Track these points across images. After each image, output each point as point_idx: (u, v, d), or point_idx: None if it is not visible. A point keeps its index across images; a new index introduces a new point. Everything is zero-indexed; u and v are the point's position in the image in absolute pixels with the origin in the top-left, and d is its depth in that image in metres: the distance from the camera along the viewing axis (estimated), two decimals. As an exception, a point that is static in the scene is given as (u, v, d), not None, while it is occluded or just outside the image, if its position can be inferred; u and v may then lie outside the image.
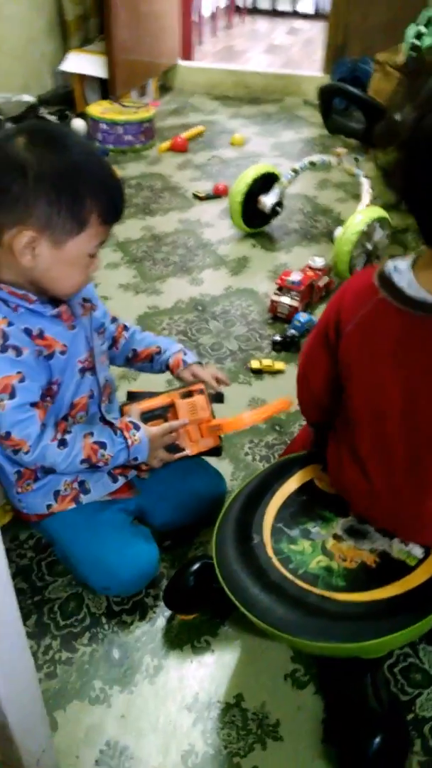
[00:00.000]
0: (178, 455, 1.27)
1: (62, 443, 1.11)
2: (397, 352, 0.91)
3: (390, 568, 1.04)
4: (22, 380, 1.06)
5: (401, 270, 0.90)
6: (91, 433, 1.15)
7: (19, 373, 1.06)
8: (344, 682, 1.12)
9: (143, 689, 1.16)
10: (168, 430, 1.24)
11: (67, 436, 1.12)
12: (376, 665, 1.11)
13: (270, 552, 1.06)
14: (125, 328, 1.38)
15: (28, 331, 1.07)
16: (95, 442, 1.14)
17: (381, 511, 1.07)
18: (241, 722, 1.11)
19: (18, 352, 1.05)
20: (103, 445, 1.15)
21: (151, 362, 1.38)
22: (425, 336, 0.88)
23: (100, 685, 1.16)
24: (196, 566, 1.23)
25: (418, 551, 1.05)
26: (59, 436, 1.12)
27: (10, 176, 0.98)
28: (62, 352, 1.13)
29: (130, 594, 1.26)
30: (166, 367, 1.37)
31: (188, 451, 1.28)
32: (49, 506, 1.22)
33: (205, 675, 1.18)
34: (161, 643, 1.22)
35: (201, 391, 1.29)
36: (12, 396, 1.05)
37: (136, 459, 1.19)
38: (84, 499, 1.23)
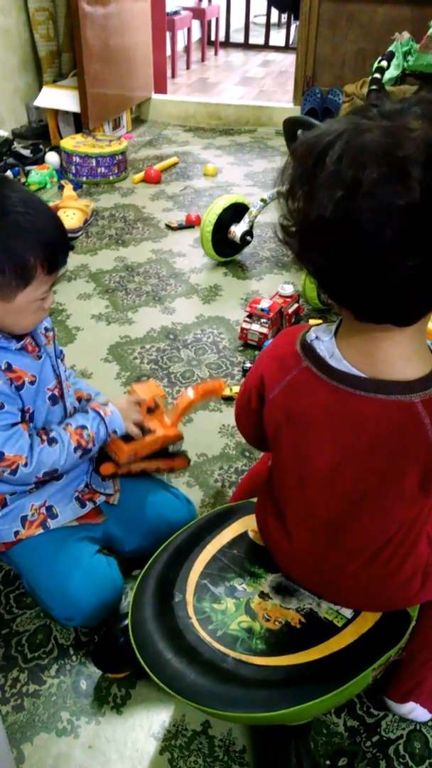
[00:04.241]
0: (150, 437, 1.32)
1: (52, 441, 1.16)
2: (326, 422, 0.86)
3: (315, 629, 0.97)
4: (1, 407, 1.11)
5: (323, 338, 0.86)
6: (69, 423, 1.21)
7: None
8: (268, 745, 1.08)
9: (111, 719, 1.16)
10: (134, 402, 1.31)
11: (52, 434, 1.18)
12: (303, 732, 1.06)
13: (191, 611, 1.00)
14: None
15: None
16: (76, 428, 1.20)
17: (303, 573, 1.04)
18: (208, 749, 1.12)
19: None
20: (83, 427, 1.21)
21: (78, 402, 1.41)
22: (351, 410, 0.83)
23: (68, 716, 1.16)
24: (125, 622, 1.16)
25: (347, 611, 1.00)
26: (45, 438, 1.16)
27: None
28: (31, 382, 1.17)
29: (94, 625, 1.26)
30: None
31: (159, 432, 1.33)
32: (16, 533, 1.23)
33: (172, 703, 1.18)
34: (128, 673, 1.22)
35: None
36: None
37: (115, 432, 1.25)
38: (52, 524, 1.24)
